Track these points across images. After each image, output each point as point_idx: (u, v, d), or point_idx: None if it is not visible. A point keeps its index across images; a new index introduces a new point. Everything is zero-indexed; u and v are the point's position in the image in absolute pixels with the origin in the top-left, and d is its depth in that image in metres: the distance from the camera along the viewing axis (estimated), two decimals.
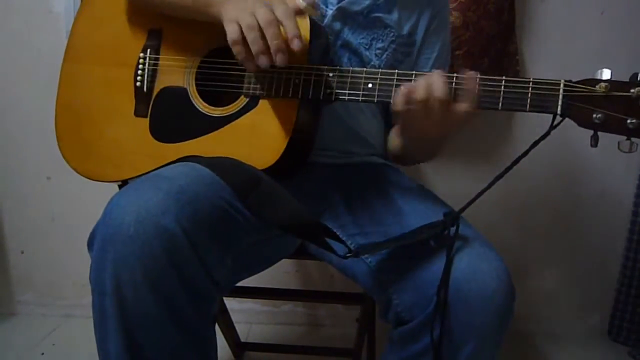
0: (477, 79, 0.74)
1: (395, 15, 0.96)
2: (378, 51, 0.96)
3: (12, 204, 1.64)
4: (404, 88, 0.74)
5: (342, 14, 0.94)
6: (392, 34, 0.96)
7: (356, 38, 0.95)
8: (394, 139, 1.02)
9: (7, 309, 1.69)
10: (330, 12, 0.94)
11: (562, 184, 1.59)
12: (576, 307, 1.67)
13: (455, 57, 1.37)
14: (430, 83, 0.73)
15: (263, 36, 0.73)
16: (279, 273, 1.62)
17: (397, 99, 0.75)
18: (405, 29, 0.98)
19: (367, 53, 0.96)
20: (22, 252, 1.68)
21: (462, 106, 0.73)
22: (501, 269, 0.73)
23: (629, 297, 1.59)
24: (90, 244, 0.69)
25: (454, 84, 0.74)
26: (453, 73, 0.75)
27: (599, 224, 1.62)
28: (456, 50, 1.37)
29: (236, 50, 0.74)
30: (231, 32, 0.73)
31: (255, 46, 0.73)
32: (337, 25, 0.94)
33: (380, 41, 0.96)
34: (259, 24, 0.72)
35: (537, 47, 1.51)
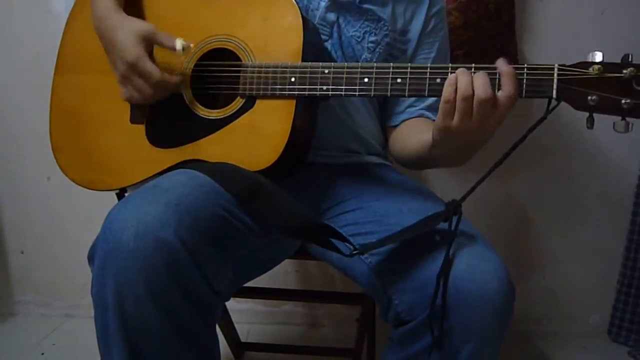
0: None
1: (388, 9, 0.96)
2: (370, 45, 0.96)
3: (12, 204, 1.64)
4: (451, 77, 0.71)
5: (335, 5, 0.94)
6: (385, 27, 0.96)
7: (349, 30, 0.95)
8: (417, 141, 0.91)
9: (7, 309, 1.69)
10: (322, 4, 0.94)
11: (562, 184, 1.59)
12: (576, 307, 1.67)
13: (455, 57, 1.37)
14: (472, 81, 0.70)
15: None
16: (279, 273, 1.62)
17: (446, 89, 0.72)
18: (399, 24, 0.98)
19: (359, 46, 0.95)
20: (22, 252, 1.68)
21: (504, 96, 0.70)
22: (501, 269, 0.73)
23: (629, 297, 1.59)
24: (90, 259, 0.69)
25: (497, 80, 0.72)
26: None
27: (599, 224, 1.62)
28: (456, 50, 1.37)
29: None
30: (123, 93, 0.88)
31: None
32: (332, 16, 0.94)
33: (372, 35, 0.96)
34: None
35: (537, 47, 1.51)
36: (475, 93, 0.70)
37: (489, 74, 0.72)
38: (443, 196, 0.93)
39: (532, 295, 1.64)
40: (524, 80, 0.73)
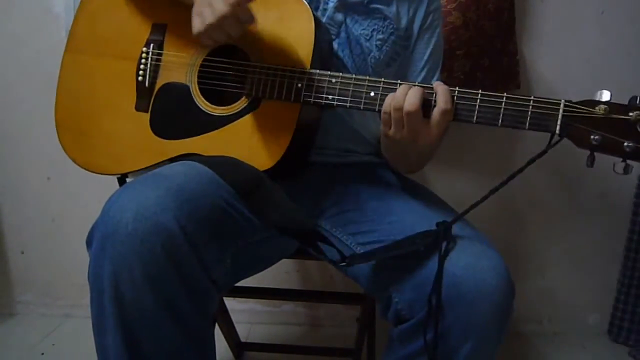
0: (456, 91, 0.75)
1: (393, 8, 0.98)
2: (378, 42, 0.97)
3: (12, 204, 1.64)
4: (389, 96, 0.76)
5: (343, 5, 0.95)
6: (391, 26, 0.97)
7: (357, 29, 0.96)
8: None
9: (7, 309, 1.69)
10: (331, 4, 0.95)
11: (562, 184, 1.59)
12: (576, 307, 1.67)
13: (455, 57, 1.37)
14: (406, 94, 0.75)
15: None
16: (279, 273, 1.62)
17: (386, 100, 0.77)
18: (403, 22, 0.99)
19: (368, 44, 0.96)
20: (22, 252, 1.68)
21: (434, 118, 0.74)
22: (501, 266, 0.73)
23: (629, 297, 1.59)
24: (89, 242, 0.69)
25: (433, 99, 0.75)
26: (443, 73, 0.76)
27: (599, 224, 1.62)
28: (456, 50, 1.37)
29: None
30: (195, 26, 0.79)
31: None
32: (340, 17, 0.95)
33: (380, 32, 0.97)
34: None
35: (537, 47, 1.51)
36: (405, 105, 0.74)
37: (427, 92, 0.75)
38: (442, 196, 0.94)
39: (532, 295, 1.64)
40: (529, 113, 0.74)
